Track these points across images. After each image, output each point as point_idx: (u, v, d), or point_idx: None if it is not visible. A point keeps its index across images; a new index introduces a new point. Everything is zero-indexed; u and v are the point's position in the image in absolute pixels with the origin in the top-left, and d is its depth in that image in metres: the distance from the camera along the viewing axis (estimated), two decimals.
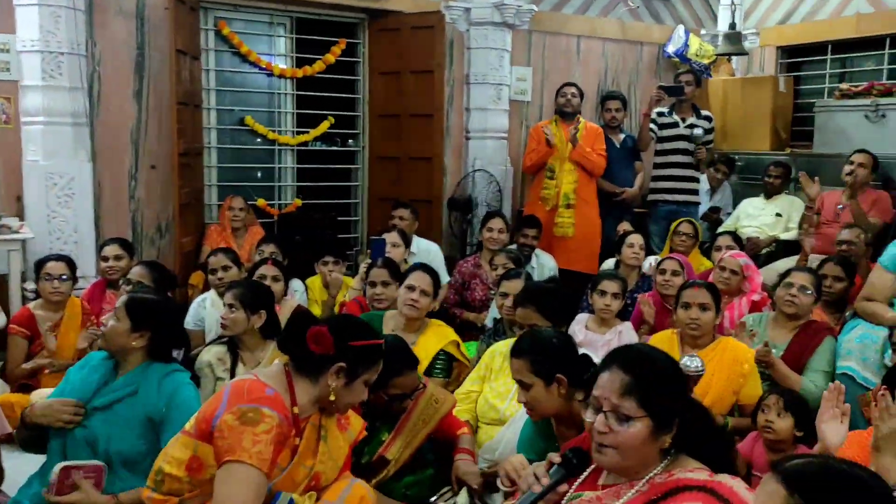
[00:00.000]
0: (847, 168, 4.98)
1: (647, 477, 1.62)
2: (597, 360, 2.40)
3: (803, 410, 2.82)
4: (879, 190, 5.05)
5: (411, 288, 3.35)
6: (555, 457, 1.69)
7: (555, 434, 2.33)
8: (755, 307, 3.92)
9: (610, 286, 3.75)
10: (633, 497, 1.62)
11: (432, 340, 3.34)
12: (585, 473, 1.77)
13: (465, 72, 6.14)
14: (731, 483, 1.55)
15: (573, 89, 5.73)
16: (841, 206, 4.95)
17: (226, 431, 1.86)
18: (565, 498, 1.74)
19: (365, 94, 6.17)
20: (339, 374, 2.03)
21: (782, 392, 2.92)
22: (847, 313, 3.78)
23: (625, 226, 5.17)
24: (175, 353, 2.71)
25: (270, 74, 5.87)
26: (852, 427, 3.18)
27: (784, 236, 5.40)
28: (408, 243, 4.62)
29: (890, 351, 3.13)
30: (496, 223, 4.93)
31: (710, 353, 3.13)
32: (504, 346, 3.16)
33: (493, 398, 3.01)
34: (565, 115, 5.70)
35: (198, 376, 3.11)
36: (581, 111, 5.82)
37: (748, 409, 3.03)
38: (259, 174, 6.01)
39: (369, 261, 4.35)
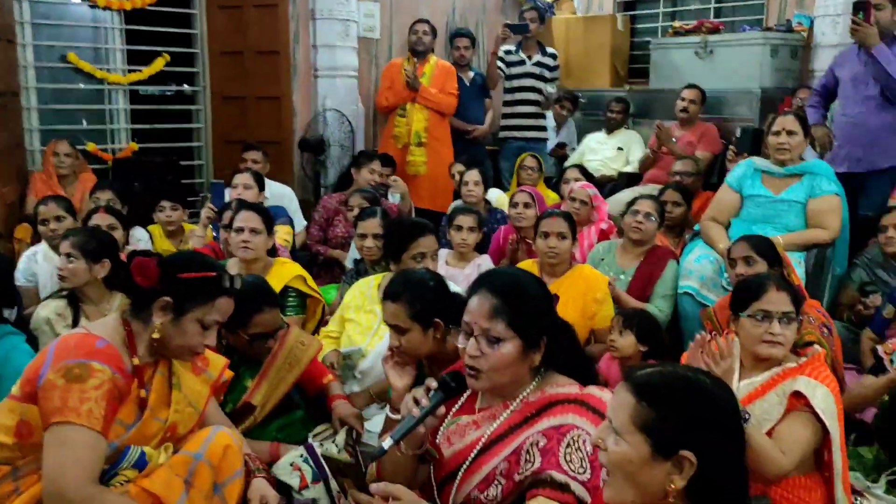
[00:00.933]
0: (679, 104, 5.29)
1: (521, 396, 1.68)
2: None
3: (643, 327, 3.00)
4: (708, 123, 5.40)
5: (240, 230, 3.23)
6: (432, 381, 1.70)
7: (425, 373, 2.32)
8: (603, 235, 4.11)
9: (465, 220, 3.80)
10: (509, 416, 1.67)
11: (275, 279, 3.24)
12: (462, 399, 1.80)
13: (310, 6, 5.88)
14: (601, 394, 1.64)
15: (425, 26, 5.66)
16: (674, 139, 5.26)
17: (50, 391, 1.71)
18: (444, 423, 1.77)
19: (203, 29, 5.77)
20: (165, 309, 1.89)
21: (620, 311, 3.09)
22: (686, 236, 4.04)
23: (457, 167, 5.23)
24: (7, 313, 2.47)
25: (94, 6, 5.34)
26: (691, 339, 3.48)
27: (625, 169, 5.68)
28: (261, 185, 4.44)
29: (725, 273, 3.39)
30: (377, 165, 4.93)
31: (567, 280, 3.25)
32: (364, 284, 3.14)
33: (355, 335, 2.99)
34: (417, 53, 5.64)
35: (35, 336, 2.85)
36: (433, 49, 5.77)
37: (602, 335, 3.19)
38: (88, 117, 5.51)
39: (210, 206, 4.15)
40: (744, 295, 2.29)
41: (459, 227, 3.77)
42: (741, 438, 1.30)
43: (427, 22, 5.72)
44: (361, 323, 3.01)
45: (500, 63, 5.90)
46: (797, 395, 2.09)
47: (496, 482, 1.63)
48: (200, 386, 2.07)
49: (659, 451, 1.24)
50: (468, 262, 3.80)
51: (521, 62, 5.91)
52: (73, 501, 1.66)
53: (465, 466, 1.68)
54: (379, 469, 1.80)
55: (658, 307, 3.47)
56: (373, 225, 3.54)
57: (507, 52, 5.92)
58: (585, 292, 3.23)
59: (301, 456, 2.37)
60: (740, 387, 2.23)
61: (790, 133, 3.64)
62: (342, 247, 4.57)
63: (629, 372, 1.36)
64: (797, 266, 3.38)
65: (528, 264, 3.44)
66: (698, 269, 3.55)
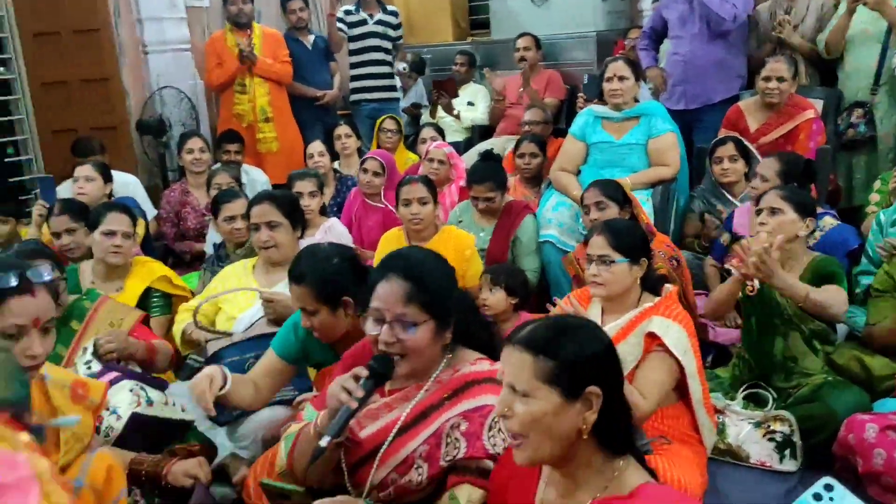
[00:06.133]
0: (516, 54, 5.38)
1: (434, 376, 1.70)
2: None
3: (511, 281, 3.10)
4: (551, 70, 5.54)
5: (111, 233, 3.03)
6: (361, 370, 1.65)
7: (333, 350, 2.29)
8: (463, 193, 4.15)
9: (304, 186, 3.73)
10: (423, 397, 1.69)
11: (138, 281, 3.12)
12: None
13: None
14: None
15: None
16: (521, 89, 5.37)
17: None
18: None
19: (8, 8, 5.24)
20: None
21: (488, 269, 3.17)
22: (543, 185, 4.17)
23: (342, 129, 5.07)
24: None
25: None
26: (556, 285, 3.64)
27: (477, 123, 5.75)
28: (107, 176, 4.15)
29: (581, 219, 3.54)
30: (195, 143, 4.60)
31: (435, 244, 3.27)
32: (239, 266, 3.04)
33: (232, 311, 2.90)
34: (240, 25, 5.37)
35: None
36: (256, 17, 5.53)
37: (473, 292, 3.24)
38: None
39: (41, 202, 3.86)
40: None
41: (300, 194, 3.70)
42: (621, 368, 1.41)
43: None
44: (240, 304, 2.90)
45: (341, 25, 5.76)
46: (651, 336, 2.20)
47: (416, 466, 1.64)
48: (85, 416, 1.88)
49: (568, 396, 1.32)
50: (316, 227, 3.73)
51: (363, 21, 5.79)
52: None
53: (383, 449, 1.68)
54: (290, 462, 1.75)
55: (526, 266, 3.56)
56: (240, 206, 3.44)
57: (347, 13, 5.78)
58: (455, 252, 3.26)
59: None
60: (607, 330, 2.35)
61: (621, 78, 3.80)
62: (196, 238, 4.37)
63: (511, 336, 1.41)
64: (645, 203, 3.58)
65: (393, 233, 3.44)
66: (556, 218, 3.68)
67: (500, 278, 3.05)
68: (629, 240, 2.36)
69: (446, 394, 1.67)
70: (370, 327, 1.68)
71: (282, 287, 2.75)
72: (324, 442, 1.56)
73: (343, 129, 5.03)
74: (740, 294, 2.65)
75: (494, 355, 1.71)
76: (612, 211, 3.06)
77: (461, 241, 3.31)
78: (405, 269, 1.67)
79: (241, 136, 4.99)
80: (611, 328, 2.30)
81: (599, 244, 2.35)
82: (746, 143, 3.84)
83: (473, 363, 1.71)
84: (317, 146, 4.58)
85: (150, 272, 3.14)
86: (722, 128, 4.20)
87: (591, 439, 1.35)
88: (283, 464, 1.75)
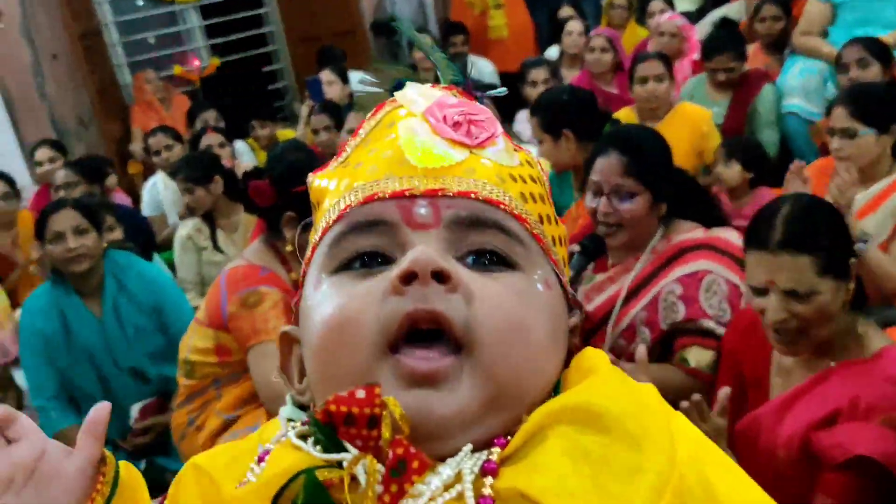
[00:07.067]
0: None
1: (650, 247, 1.76)
2: None
3: (748, 154, 2.93)
4: None
5: (352, 131, 3.28)
6: (574, 246, 1.79)
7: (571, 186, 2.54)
8: (697, 67, 3.94)
9: (538, 74, 3.74)
10: (642, 268, 1.76)
11: None
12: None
13: None
14: (727, 235, 1.70)
15: None
16: None
17: (237, 321, 1.94)
18: (582, 282, 1.88)
19: None
20: (292, 222, 1.92)
21: (724, 142, 3.02)
22: (786, 51, 3.83)
23: (566, 11, 5.01)
24: None
25: None
26: (803, 157, 3.40)
27: None
28: (344, 77, 4.47)
29: (830, 83, 3.24)
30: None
31: (671, 120, 3.18)
32: None
33: None
34: None
35: None
36: None
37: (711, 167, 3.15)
38: (166, 40, 5.63)
39: (310, 103, 4.25)
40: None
41: (534, 83, 3.72)
42: None
43: None
44: None
45: None
46: None
47: (640, 332, 1.73)
48: None
49: (841, 278, 1.35)
50: None
51: None
52: None
53: (613, 317, 1.78)
54: None
55: (765, 139, 3.34)
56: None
57: None
58: (692, 130, 3.17)
59: None
60: (856, 200, 2.21)
61: None
62: None
63: (763, 238, 1.36)
64: None
65: (624, 113, 3.38)
66: (802, 85, 3.40)
67: (736, 151, 2.91)
68: (876, 106, 2.17)
69: (661, 262, 1.74)
70: (589, 200, 1.77)
71: None
72: None
73: (567, 10, 4.94)
74: None
75: (713, 223, 1.76)
76: (875, 70, 2.77)
77: (698, 117, 3.20)
78: (623, 143, 1.75)
79: (465, 27, 5.10)
80: (860, 198, 2.16)
81: (841, 116, 2.19)
82: None
83: (687, 231, 1.75)
84: (576, 25, 4.55)
85: None
86: None
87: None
88: None
